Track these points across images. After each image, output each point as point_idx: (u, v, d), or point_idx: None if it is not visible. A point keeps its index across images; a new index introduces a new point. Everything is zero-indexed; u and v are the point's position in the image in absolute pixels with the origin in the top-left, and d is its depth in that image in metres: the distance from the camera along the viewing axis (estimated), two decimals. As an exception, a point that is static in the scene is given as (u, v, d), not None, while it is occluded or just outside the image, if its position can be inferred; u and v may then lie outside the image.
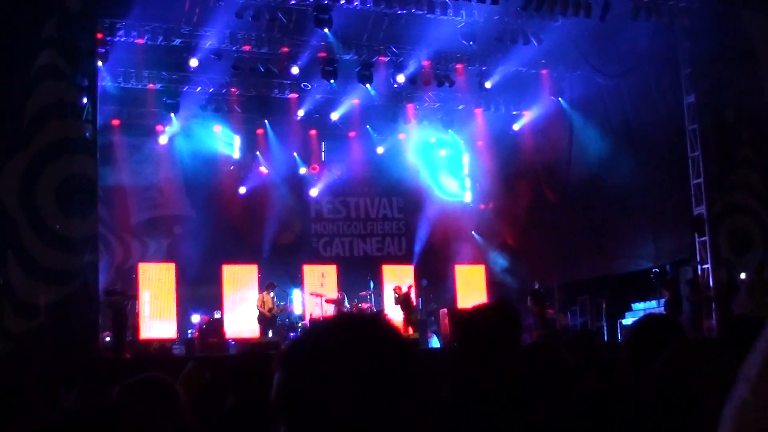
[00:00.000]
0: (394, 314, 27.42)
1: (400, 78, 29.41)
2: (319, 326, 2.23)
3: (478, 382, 4.13)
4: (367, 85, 29.07)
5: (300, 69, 28.38)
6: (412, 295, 27.91)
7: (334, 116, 31.63)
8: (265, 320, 26.79)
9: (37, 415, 4.60)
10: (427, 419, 2.16)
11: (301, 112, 31.10)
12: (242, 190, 31.46)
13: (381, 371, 2.08)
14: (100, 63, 24.42)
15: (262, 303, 26.84)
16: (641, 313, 24.25)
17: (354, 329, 2.17)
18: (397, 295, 27.67)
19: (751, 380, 2.10)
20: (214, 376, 7.82)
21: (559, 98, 30.71)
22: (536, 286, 27.34)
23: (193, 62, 27.12)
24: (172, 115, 29.13)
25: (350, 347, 2.10)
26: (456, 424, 3.67)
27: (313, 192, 32.95)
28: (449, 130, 33.35)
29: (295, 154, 32.34)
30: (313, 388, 2.06)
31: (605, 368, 6.00)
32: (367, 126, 32.64)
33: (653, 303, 25.71)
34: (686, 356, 3.91)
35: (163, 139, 30.01)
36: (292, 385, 2.11)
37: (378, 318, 2.24)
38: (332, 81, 28.43)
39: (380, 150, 33.15)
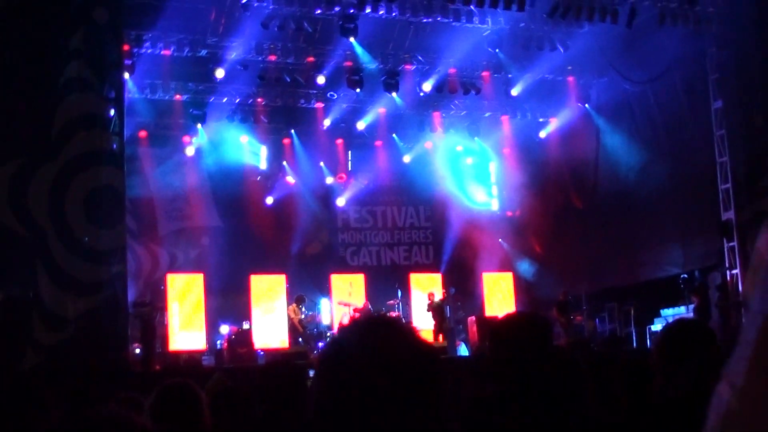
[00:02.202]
0: (424, 322, 27.44)
1: (426, 86, 29.45)
2: (346, 331, 2.28)
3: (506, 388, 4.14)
4: (393, 94, 29.10)
5: (326, 78, 28.44)
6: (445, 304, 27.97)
7: (361, 125, 31.64)
8: (296, 331, 26.93)
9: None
10: (449, 418, 2.21)
11: (327, 122, 31.11)
12: (269, 200, 31.48)
13: (402, 371, 2.12)
14: (126, 75, 24.52)
15: (295, 313, 26.97)
16: (670, 320, 24.27)
17: (376, 332, 2.21)
18: (430, 302, 27.71)
19: (736, 385, 1.84)
20: (242, 385, 7.83)
21: (586, 105, 30.67)
22: (560, 297, 27.32)
23: (220, 73, 27.19)
24: (199, 125, 29.24)
25: (373, 349, 2.15)
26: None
27: (340, 201, 32.94)
28: (476, 138, 33.30)
29: (321, 163, 32.37)
30: (342, 387, 2.12)
31: (634, 374, 5.97)
32: (394, 135, 32.64)
33: (682, 309, 25.59)
34: (718, 363, 3.89)
35: (190, 150, 30.07)
36: (324, 384, 2.17)
37: (398, 321, 2.31)
38: (358, 90, 28.50)
39: (407, 159, 33.14)
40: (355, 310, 27.66)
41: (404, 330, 2.27)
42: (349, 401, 2.11)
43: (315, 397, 2.22)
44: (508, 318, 4.59)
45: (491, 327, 4.55)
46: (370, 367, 2.13)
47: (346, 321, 27.04)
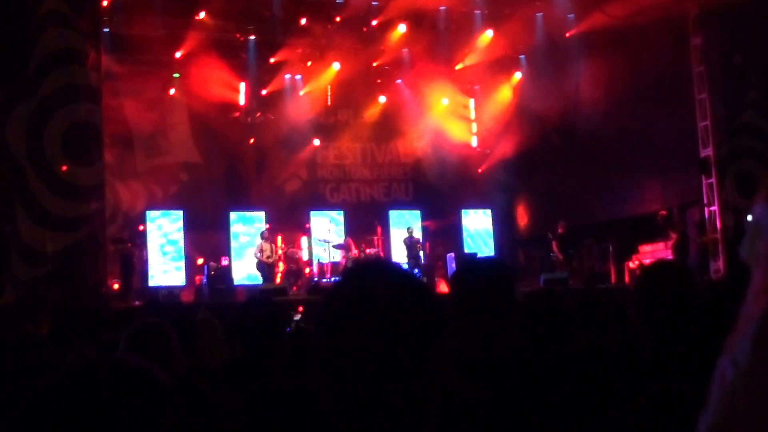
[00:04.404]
0: (401, 257, 27.59)
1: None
2: (347, 273, 2.29)
3: (477, 341, 4.18)
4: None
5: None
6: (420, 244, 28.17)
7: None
8: (264, 268, 26.86)
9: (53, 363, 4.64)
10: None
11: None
12: (249, 136, 31.32)
13: (409, 315, 2.13)
14: (104, 4, 24.30)
15: (261, 251, 26.91)
16: (648, 256, 24.39)
17: (381, 276, 2.23)
18: (409, 236, 27.97)
19: (739, 363, 1.66)
20: (222, 322, 7.85)
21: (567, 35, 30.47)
22: (559, 230, 27.34)
23: (201, 15, 27.08)
24: (178, 60, 28.99)
25: (380, 293, 2.16)
26: (458, 384, 3.69)
27: (321, 137, 32.76)
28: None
29: (301, 93, 32.07)
30: (348, 332, 2.13)
31: (614, 310, 6.01)
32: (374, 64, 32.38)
33: (660, 245, 25.69)
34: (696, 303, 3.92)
35: (168, 85, 29.86)
36: (329, 331, 2.18)
37: (394, 263, 2.32)
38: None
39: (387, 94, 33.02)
40: (334, 247, 27.78)
41: (406, 273, 2.29)
42: (356, 347, 2.12)
43: (317, 339, 2.22)
44: (470, 264, 4.63)
45: (453, 274, 4.58)
46: (378, 309, 2.14)
47: (325, 258, 27.22)
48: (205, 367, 6.22)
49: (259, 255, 26.92)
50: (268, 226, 28.51)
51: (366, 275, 2.26)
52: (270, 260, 26.95)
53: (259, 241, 27.31)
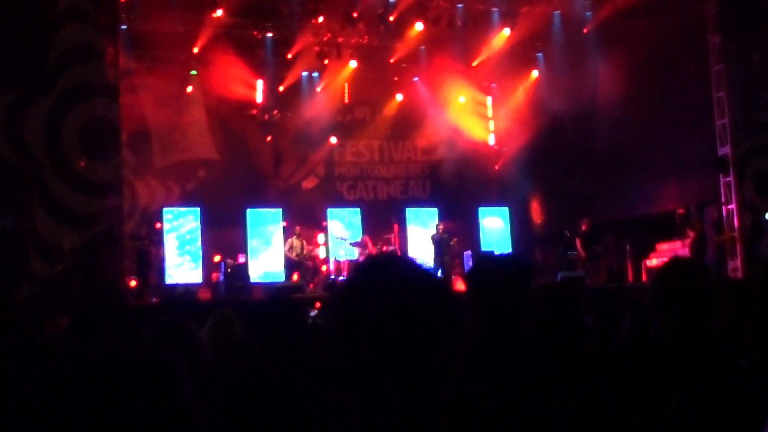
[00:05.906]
0: (421, 256, 27.53)
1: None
2: (361, 268, 2.27)
3: (493, 336, 4.16)
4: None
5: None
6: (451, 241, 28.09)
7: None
8: (292, 265, 26.99)
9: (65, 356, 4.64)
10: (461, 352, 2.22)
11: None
12: (266, 133, 31.31)
13: (421, 309, 2.12)
14: (122, 1, 24.32)
15: (291, 248, 27.04)
16: (666, 254, 24.34)
17: (395, 269, 2.21)
18: (440, 232, 27.86)
19: None
20: (239, 319, 7.86)
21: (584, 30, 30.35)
22: (582, 227, 27.26)
23: (218, 6, 27.04)
24: (196, 56, 28.98)
25: (393, 286, 2.15)
26: (474, 380, 3.67)
27: (338, 135, 32.75)
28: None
29: (318, 90, 32.07)
30: (363, 325, 2.12)
31: (633, 308, 5.98)
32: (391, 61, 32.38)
33: (678, 244, 25.64)
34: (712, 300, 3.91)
35: (186, 82, 29.87)
36: (341, 323, 2.17)
37: (408, 258, 2.31)
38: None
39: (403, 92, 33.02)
40: (351, 245, 27.79)
41: (421, 269, 2.28)
42: (370, 340, 2.11)
43: (331, 335, 2.21)
44: (485, 262, 4.60)
45: (469, 271, 4.56)
46: (391, 305, 2.13)
47: (343, 256, 27.24)
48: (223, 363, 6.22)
49: (289, 253, 27.08)
50: (285, 223, 28.59)
51: (378, 271, 2.25)
52: (298, 258, 27.10)
53: (290, 238, 27.45)
